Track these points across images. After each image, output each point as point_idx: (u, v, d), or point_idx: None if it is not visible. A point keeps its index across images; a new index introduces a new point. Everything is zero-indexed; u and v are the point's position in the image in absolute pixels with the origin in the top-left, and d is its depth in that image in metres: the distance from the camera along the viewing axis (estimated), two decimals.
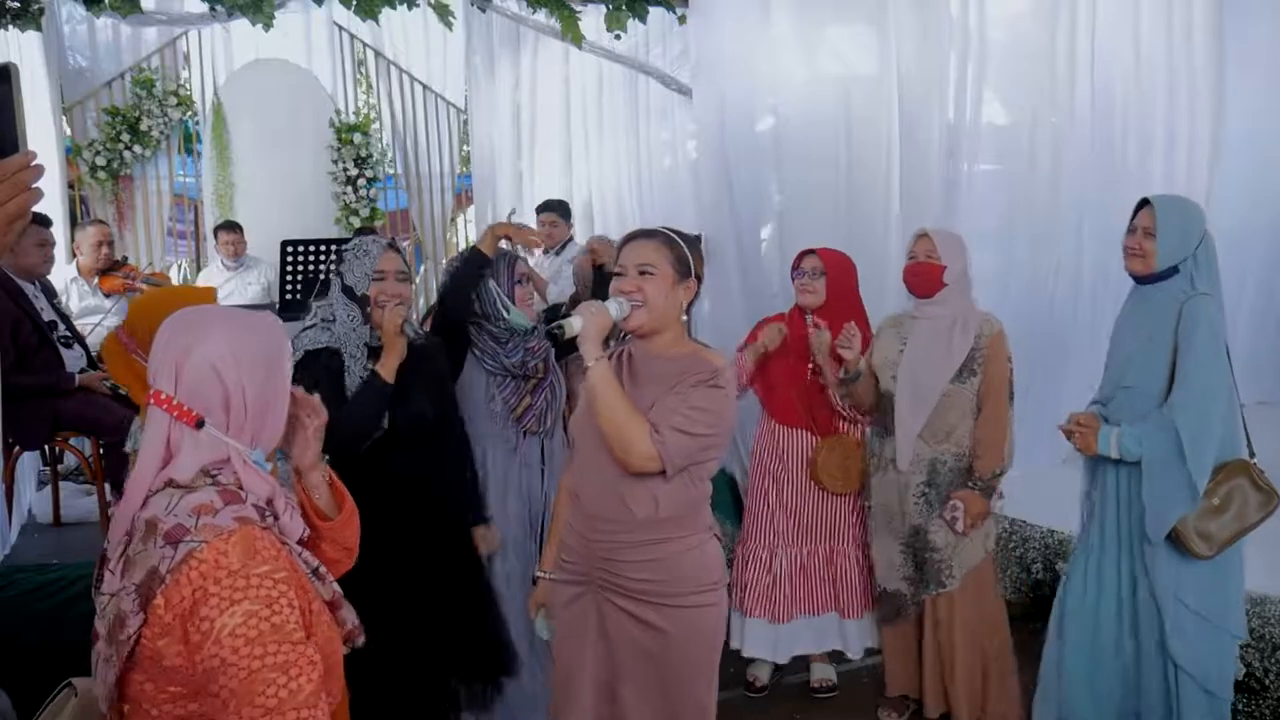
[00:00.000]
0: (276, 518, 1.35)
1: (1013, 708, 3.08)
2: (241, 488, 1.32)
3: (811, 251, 3.35)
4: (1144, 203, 2.64)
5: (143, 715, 1.26)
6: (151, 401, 1.33)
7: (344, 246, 2.56)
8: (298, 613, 1.25)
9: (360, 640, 1.47)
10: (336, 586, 1.41)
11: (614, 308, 2.02)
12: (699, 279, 2.13)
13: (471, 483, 2.73)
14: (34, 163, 1.11)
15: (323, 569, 1.40)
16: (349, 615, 1.44)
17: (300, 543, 1.40)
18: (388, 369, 2.41)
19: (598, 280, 3.03)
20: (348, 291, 2.48)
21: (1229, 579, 2.59)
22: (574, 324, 1.98)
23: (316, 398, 1.54)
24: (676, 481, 2.02)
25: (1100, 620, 2.70)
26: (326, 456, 1.57)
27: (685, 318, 2.13)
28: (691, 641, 2.06)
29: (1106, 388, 2.76)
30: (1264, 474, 2.54)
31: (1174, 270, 2.58)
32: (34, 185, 1.12)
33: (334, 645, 1.36)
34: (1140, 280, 2.65)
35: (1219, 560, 2.53)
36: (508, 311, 2.83)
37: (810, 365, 3.28)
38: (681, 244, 2.11)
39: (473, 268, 2.80)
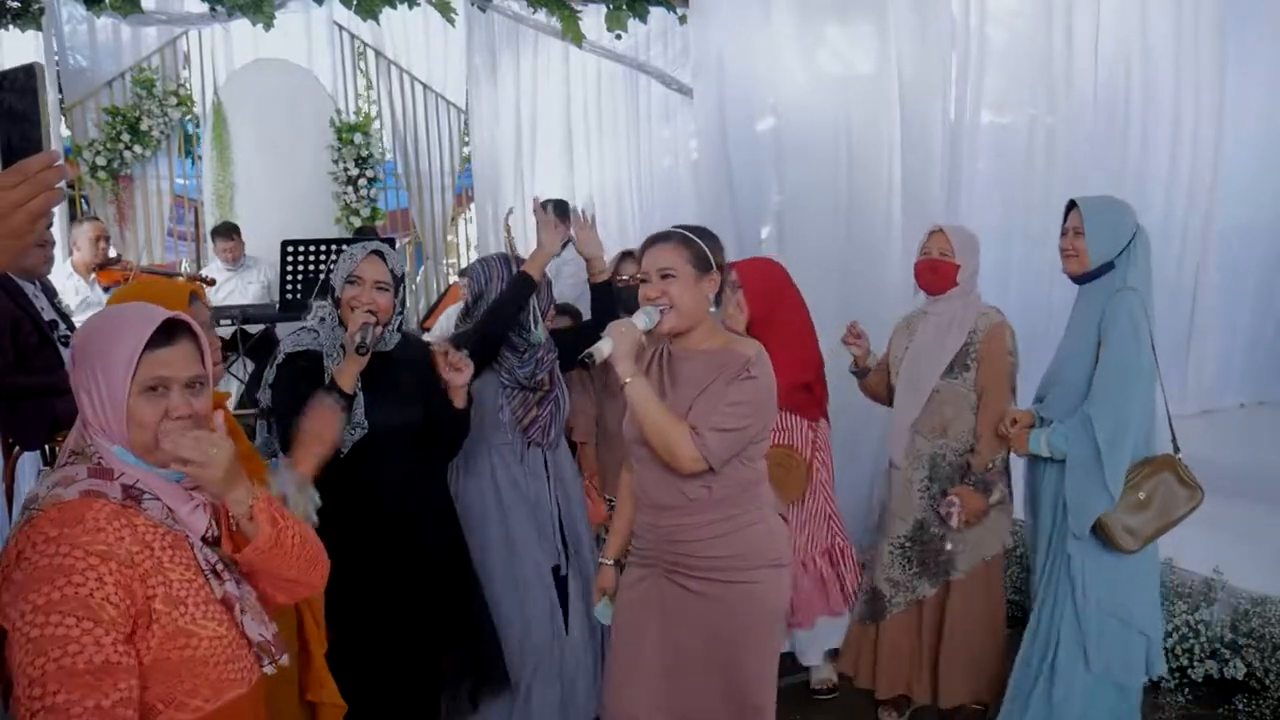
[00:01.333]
0: (173, 511, 1.34)
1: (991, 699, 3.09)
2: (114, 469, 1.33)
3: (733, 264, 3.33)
4: (1071, 204, 2.69)
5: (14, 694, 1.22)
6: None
7: (324, 255, 2.59)
8: (110, 590, 1.20)
9: (280, 659, 1.42)
10: (232, 588, 1.37)
11: (642, 319, 2.09)
12: (721, 269, 2.18)
13: None
14: (57, 162, 1.12)
15: (222, 567, 1.37)
16: (256, 628, 1.39)
17: (206, 540, 1.38)
18: (344, 374, 2.36)
19: (601, 295, 3.03)
20: (330, 292, 2.50)
21: (1141, 575, 2.61)
22: (603, 348, 2.04)
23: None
24: (726, 467, 2.12)
25: (1038, 614, 2.73)
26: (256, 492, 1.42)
27: (714, 309, 2.19)
28: (752, 615, 2.16)
29: (1042, 385, 2.80)
30: (1189, 469, 2.54)
31: (1109, 267, 2.61)
32: (57, 185, 1.13)
33: (197, 641, 1.30)
34: (1077, 280, 2.69)
35: (1137, 557, 2.54)
36: (536, 326, 2.85)
37: None
38: (697, 240, 2.16)
39: (523, 293, 2.79)
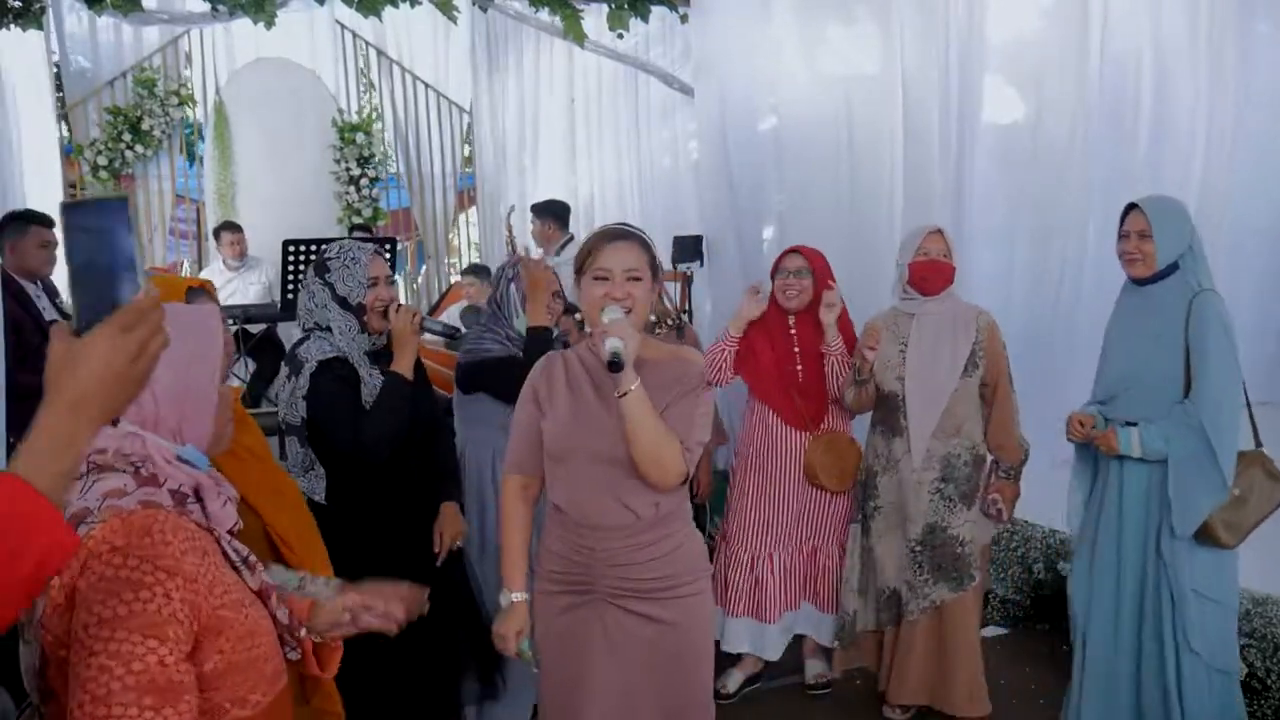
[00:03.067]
0: (206, 507, 1.33)
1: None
2: (159, 476, 1.31)
3: (795, 250, 3.31)
4: (1131, 207, 2.66)
5: (59, 706, 1.20)
6: None
7: (326, 254, 2.51)
8: (176, 606, 1.19)
9: (301, 633, 1.44)
10: (267, 577, 1.38)
11: (620, 316, 1.96)
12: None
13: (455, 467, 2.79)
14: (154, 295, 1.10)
15: (253, 558, 1.37)
16: (283, 614, 1.40)
17: (231, 533, 1.37)
18: (405, 366, 2.43)
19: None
20: (342, 301, 2.46)
21: (1230, 560, 2.65)
22: (618, 345, 1.87)
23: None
24: None
25: (1120, 619, 2.72)
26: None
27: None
28: (697, 627, 2.10)
29: (1110, 387, 2.76)
30: (1274, 463, 2.61)
31: (1174, 268, 2.61)
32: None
33: (259, 640, 1.31)
34: (1141, 282, 2.66)
35: (1222, 550, 2.59)
36: (516, 317, 2.87)
37: (797, 364, 3.27)
38: (651, 246, 2.09)
39: (542, 346, 2.73)
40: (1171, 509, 2.57)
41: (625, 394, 1.90)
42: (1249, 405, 2.64)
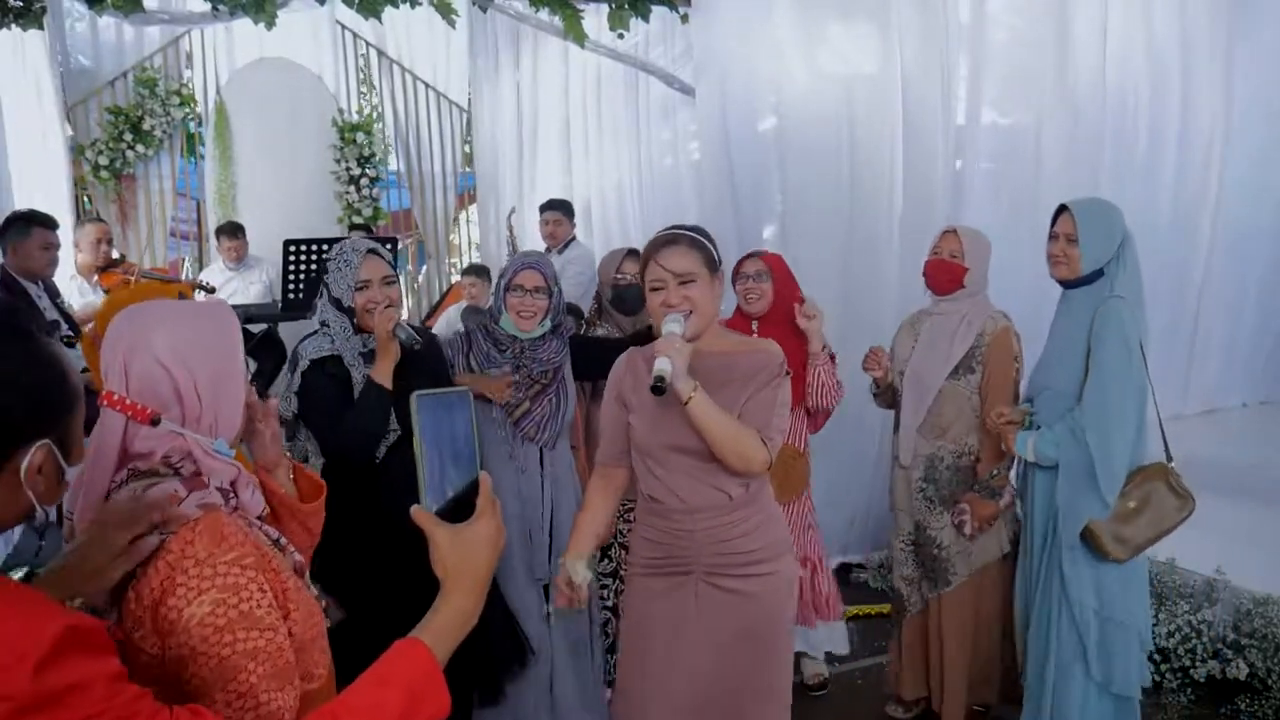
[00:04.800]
0: (239, 498, 1.35)
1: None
2: (203, 474, 1.33)
3: (754, 254, 3.33)
4: (1062, 209, 2.65)
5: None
6: (105, 404, 1.32)
7: (327, 254, 2.55)
8: (269, 596, 1.25)
9: (333, 617, 1.50)
10: (298, 556, 1.43)
11: (676, 328, 2.03)
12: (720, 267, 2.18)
13: None
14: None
15: (283, 540, 1.41)
16: (312, 588, 1.45)
17: (260, 518, 1.41)
18: (382, 373, 2.43)
19: (616, 298, 3.10)
20: (335, 303, 2.49)
21: (1137, 576, 2.62)
22: (665, 367, 1.96)
23: (274, 402, 1.55)
24: None
25: (1036, 621, 2.72)
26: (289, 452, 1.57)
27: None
28: (776, 603, 2.19)
29: (1029, 390, 2.81)
30: (1180, 478, 2.53)
31: (1099, 273, 2.60)
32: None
33: (315, 618, 1.36)
34: (1065, 285, 2.67)
35: (1127, 564, 2.54)
36: (500, 315, 2.86)
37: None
38: (705, 241, 2.14)
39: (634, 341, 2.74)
40: (1059, 516, 2.56)
41: (688, 401, 2.00)
42: (1160, 417, 2.57)
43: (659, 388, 1.96)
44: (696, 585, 2.16)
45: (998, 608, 3.05)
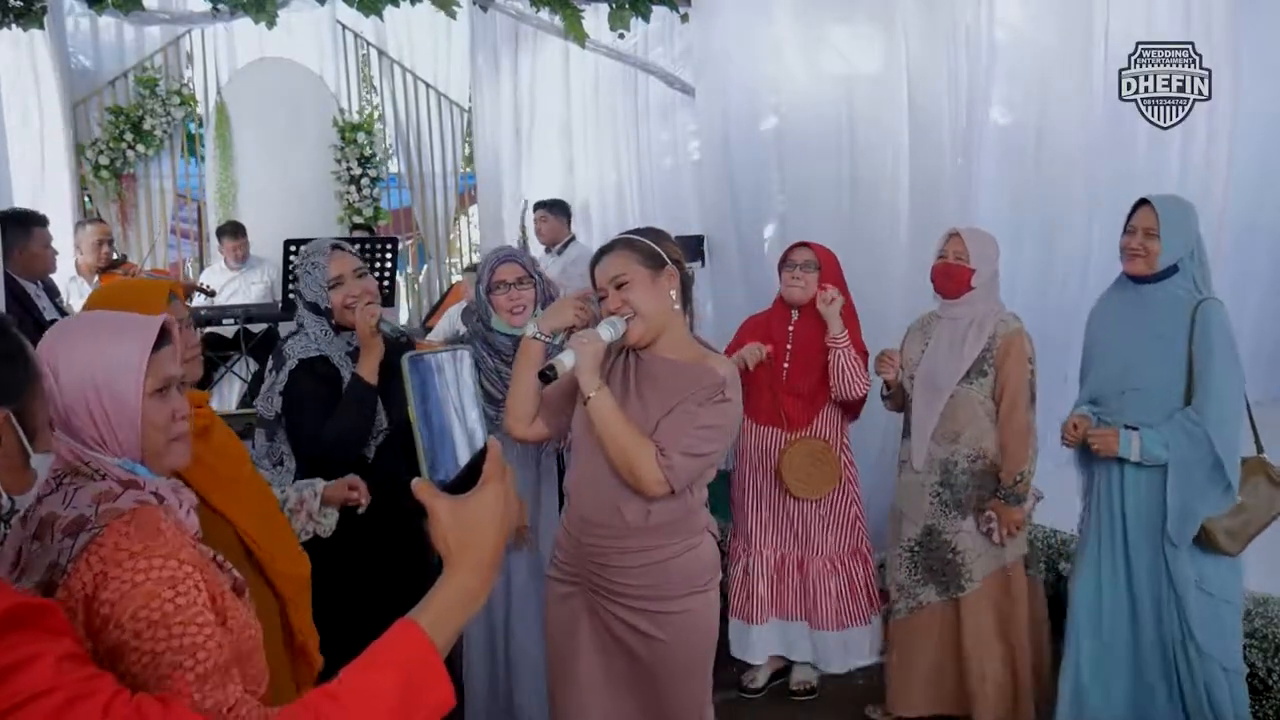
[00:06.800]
0: (174, 511, 1.32)
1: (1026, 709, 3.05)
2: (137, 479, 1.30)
3: (804, 244, 3.30)
4: (1142, 202, 2.63)
5: None
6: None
7: (294, 262, 2.54)
8: (205, 594, 1.22)
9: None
10: (237, 574, 1.38)
11: (607, 331, 1.99)
12: (677, 263, 2.10)
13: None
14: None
15: (221, 557, 1.37)
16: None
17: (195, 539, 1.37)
18: (368, 370, 2.40)
19: None
20: (312, 307, 2.47)
21: (1235, 561, 2.64)
22: (565, 361, 1.93)
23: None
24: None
25: (1115, 622, 2.71)
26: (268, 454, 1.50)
27: (678, 306, 2.09)
28: (683, 645, 2.07)
29: (1101, 387, 2.75)
30: (1276, 469, 2.60)
31: (1173, 269, 2.58)
32: None
33: (250, 630, 1.32)
34: (1139, 280, 2.64)
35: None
36: (490, 319, 2.82)
37: (784, 361, 3.26)
38: (642, 239, 2.09)
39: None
40: (1168, 516, 2.56)
41: (587, 400, 1.96)
42: (1250, 411, 2.62)
43: (547, 376, 1.91)
44: (591, 601, 2.09)
45: (1023, 614, 3.01)
